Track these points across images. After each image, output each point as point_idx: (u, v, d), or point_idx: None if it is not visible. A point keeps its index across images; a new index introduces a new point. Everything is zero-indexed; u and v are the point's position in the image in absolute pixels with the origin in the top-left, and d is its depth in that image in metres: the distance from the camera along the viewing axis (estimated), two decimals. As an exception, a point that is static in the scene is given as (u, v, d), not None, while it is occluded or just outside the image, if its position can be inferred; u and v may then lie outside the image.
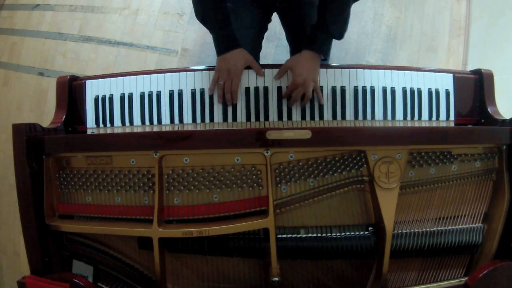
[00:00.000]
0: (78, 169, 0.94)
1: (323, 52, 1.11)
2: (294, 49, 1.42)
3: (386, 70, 1.14)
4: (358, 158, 0.91)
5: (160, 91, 1.14)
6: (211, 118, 1.13)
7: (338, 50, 1.98)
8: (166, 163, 0.91)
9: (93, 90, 1.15)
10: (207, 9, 1.10)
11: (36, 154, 0.90)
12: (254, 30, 1.30)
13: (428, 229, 0.93)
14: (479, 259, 0.96)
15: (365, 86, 1.13)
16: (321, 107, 1.13)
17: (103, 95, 1.15)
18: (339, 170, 0.91)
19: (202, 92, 1.14)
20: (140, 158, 0.91)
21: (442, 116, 1.15)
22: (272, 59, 1.97)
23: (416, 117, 1.14)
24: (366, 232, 0.92)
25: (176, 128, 1.10)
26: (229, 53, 1.10)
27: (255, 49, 1.36)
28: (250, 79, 1.14)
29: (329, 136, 0.89)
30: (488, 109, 1.10)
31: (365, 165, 0.91)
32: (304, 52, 1.11)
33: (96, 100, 1.15)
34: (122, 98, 1.14)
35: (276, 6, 1.30)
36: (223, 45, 1.11)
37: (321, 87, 1.13)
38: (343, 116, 1.13)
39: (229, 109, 1.13)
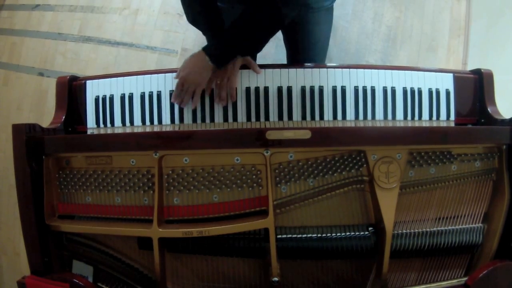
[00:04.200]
0: (78, 169, 0.94)
1: (211, 57, 1.03)
2: (291, 51, 1.42)
3: (386, 70, 1.14)
4: (358, 158, 0.91)
5: (160, 91, 1.14)
6: (212, 118, 1.13)
7: (338, 50, 1.98)
8: (166, 163, 0.91)
9: (94, 90, 1.15)
10: (197, 11, 1.09)
11: (36, 154, 0.90)
12: None
13: (428, 229, 0.93)
14: (479, 259, 0.96)
15: (366, 86, 1.13)
16: (321, 107, 1.13)
17: (103, 95, 1.15)
18: (339, 170, 0.91)
19: (202, 92, 1.14)
20: (140, 158, 0.91)
21: (442, 116, 1.14)
22: (272, 59, 1.97)
23: (416, 117, 1.14)
24: (366, 232, 0.92)
25: (176, 128, 1.10)
26: None
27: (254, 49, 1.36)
28: (250, 79, 1.14)
29: (328, 136, 0.89)
30: (488, 109, 1.10)
31: (365, 165, 0.91)
32: (198, 52, 1.06)
33: (97, 100, 1.15)
34: (122, 98, 1.14)
35: None
36: None
37: (321, 87, 1.13)
38: (344, 116, 1.13)
39: (230, 109, 1.13)
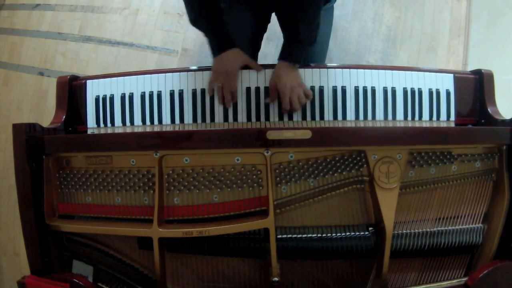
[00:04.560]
0: (78, 169, 0.94)
1: (298, 61, 1.10)
2: None
3: (386, 70, 1.14)
4: (358, 158, 0.91)
5: (160, 91, 1.14)
6: (212, 118, 1.13)
7: (338, 50, 1.98)
8: (166, 163, 0.91)
9: (94, 90, 1.15)
10: (198, 12, 1.09)
11: (36, 154, 0.90)
12: (252, 31, 1.30)
13: (428, 229, 0.93)
14: (479, 259, 0.96)
15: (366, 86, 1.13)
16: (321, 107, 1.13)
17: (103, 95, 1.15)
18: (339, 170, 0.91)
19: (203, 92, 1.14)
20: (140, 158, 0.91)
21: (443, 116, 1.14)
22: (272, 59, 1.95)
23: (416, 117, 1.14)
24: (366, 232, 0.92)
25: (177, 128, 1.10)
26: (225, 53, 1.10)
27: (254, 49, 1.36)
28: (250, 79, 1.14)
29: (329, 136, 0.89)
30: (488, 109, 1.10)
31: (365, 165, 0.91)
32: (279, 64, 1.10)
33: (97, 100, 1.15)
34: (122, 98, 1.14)
35: (274, 7, 1.30)
36: (217, 46, 1.11)
37: (322, 87, 1.13)
38: (344, 116, 1.13)
39: (230, 109, 1.13)
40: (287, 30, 1.12)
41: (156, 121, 1.14)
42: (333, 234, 0.91)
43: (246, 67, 1.14)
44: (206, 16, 1.09)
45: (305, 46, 1.11)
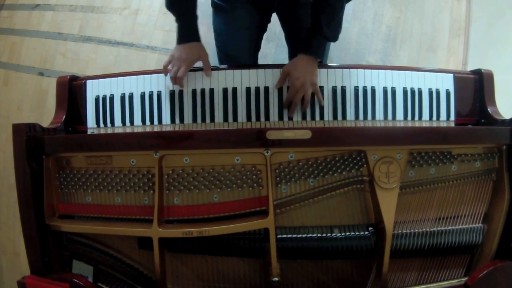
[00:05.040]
0: (78, 169, 0.94)
1: (318, 55, 1.12)
2: (293, 51, 1.42)
3: (386, 70, 1.14)
4: (358, 158, 0.91)
5: (160, 91, 1.14)
6: (212, 118, 1.13)
7: (338, 50, 1.98)
8: (166, 163, 0.91)
9: (94, 90, 1.15)
10: None
11: (36, 154, 0.90)
12: (252, 31, 1.30)
13: (428, 229, 0.93)
14: (479, 259, 0.96)
15: (366, 86, 1.13)
16: (321, 107, 1.13)
17: (103, 95, 1.15)
18: (339, 170, 0.91)
19: (202, 92, 1.14)
20: (140, 158, 0.91)
21: (443, 116, 1.14)
22: (272, 59, 1.97)
23: (416, 117, 1.14)
24: (366, 232, 0.92)
25: (176, 128, 1.10)
26: (187, 44, 1.12)
27: (254, 49, 1.36)
28: (250, 79, 1.14)
29: (329, 136, 0.89)
30: (488, 109, 1.10)
31: (365, 165, 0.91)
32: (300, 56, 1.11)
33: (97, 100, 1.15)
34: (122, 98, 1.14)
35: (275, 7, 1.30)
36: (182, 35, 1.13)
37: (322, 87, 1.13)
38: (344, 116, 1.13)
39: (230, 109, 1.13)
40: (311, 22, 1.13)
41: (156, 121, 1.14)
42: (333, 234, 0.91)
43: (244, 67, 1.14)
44: (181, 3, 1.12)
45: (324, 39, 1.12)
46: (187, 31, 1.13)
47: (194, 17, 1.13)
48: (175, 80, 1.11)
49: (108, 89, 1.15)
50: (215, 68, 1.16)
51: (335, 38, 1.14)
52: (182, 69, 1.10)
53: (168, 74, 1.12)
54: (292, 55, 1.43)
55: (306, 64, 1.10)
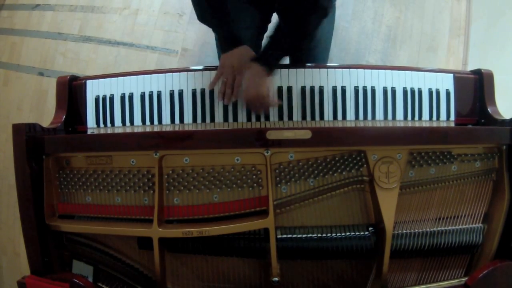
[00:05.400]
0: (78, 169, 0.94)
1: (271, 68, 1.08)
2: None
3: (386, 70, 1.14)
4: (358, 158, 0.91)
5: (160, 91, 1.14)
6: (212, 118, 1.13)
7: (338, 50, 1.98)
8: (166, 163, 0.91)
9: (94, 90, 1.15)
10: (205, 8, 1.10)
11: (36, 154, 0.90)
12: (252, 31, 1.30)
13: (428, 229, 0.93)
14: (479, 259, 0.96)
15: (366, 86, 1.13)
16: (321, 107, 1.13)
17: (103, 95, 1.15)
18: (339, 170, 0.91)
19: (202, 92, 1.14)
20: (140, 158, 0.91)
21: (443, 116, 1.14)
22: (272, 59, 1.96)
23: (416, 117, 1.14)
24: (366, 232, 0.92)
25: (176, 128, 1.10)
26: (234, 50, 1.11)
27: (254, 49, 1.36)
28: (250, 79, 1.14)
29: (329, 136, 0.89)
30: (488, 109, 1.10)
31: (365, 165, 0.91)
32: (252, 65, 1.08)
33: (97, 100, 1.15)
34: (122, 98, 1.14)
35: (275, 7, 1.30)
36: (226, 43, 1.12)
37: (322, 87, 1.13)
38: (344, 116, 1.13)
39: (230, 109, 1.13)
40: (276, 36, 1.09)
41: (156, 121, 1.14)
42: (333, 234, 0.91)
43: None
44: (214, 13, 1.10)
45: (279, 51, 1.09)
46: (230, 38, 1.12)
47: (230, 23, 1.12)
48: (233, 90, 1.09)
49: (108, 89, 1.15)
50: (216, 68, 1.16)
51: (286, 52, 1.12)
52: (238, 78, 1.09)
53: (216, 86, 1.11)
54: (291, 55, 1.43)
55: (255, 74, 1.07)
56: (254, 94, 1.06)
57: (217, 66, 1.17)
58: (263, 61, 1.07)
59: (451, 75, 1.15)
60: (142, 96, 1.14)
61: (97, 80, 1.16)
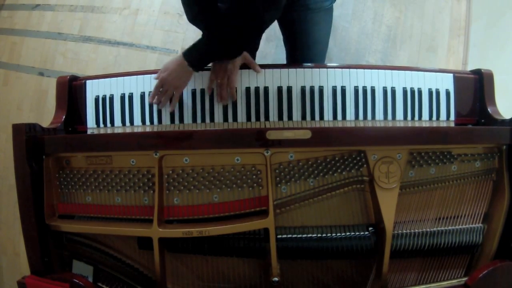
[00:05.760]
0: (78, 169, 0.94)
1: (190, 62, 1.05)
2: (291, 52, 1.42)
3: (386, 70, 1.14)
4: (358, 158, 0.91)
5: (160, 91, 1.14)
6: (212, 118, 1.13)
7: (338, 50, 1.98)
8: (166, 163, 0.91)
9: (93, 90, 1.15)
10: (195, 11, 1.07)
11: (36, 154, 0.90)
12: None
13: (428, 229, 0.93)
14: (479, 259, 0.96)
15: (366, 86, 1.13)
16: (321, 107, 1.13)
17: (103, 95, 1.15)
18: (339, 170, 0.91)
19: (202, 92, 1.14)
20: (140, 158, 0.91)
21: (442, 116, 1.14)
22: (272, 59, 1.97)
23: (416, 117, 1.14)
24: (366, 232, 0.92)
25: (176, 128, 1.10)
26: None
27: (252, 49, 1.36)
28: (250, 79, 1.14)
29: (329, 136, 0.89)
30: (488, 109, 1.10)
31: (365, 165, 0.91)
32: (178, 56, 1.07)
33: (97, 100, 1.15)
34: (122, 98, 1.14)
35: None
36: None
37: (321, 87, 1.13)
38: (344, 116, 1.13)
39: (230, 109, 1.13)
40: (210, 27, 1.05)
41: (155, 121, 1.14)
42: (333, 234, 0.91)
43: (245, 66, 1.13)
44: (202, 15, 1.08)
45: (211, 54, 1.06)
46: None
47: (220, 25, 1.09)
48: (230, 91, 1.09)
49: (108, 89, 1.15)
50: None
51: (224, 57, 1.08)
52: (231, 78, 1.09)
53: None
54: (290, 56, 1.43)
55: (175, 64, 1.06)
56: (169, 82, 1.06)
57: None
58: (187, 57, 1.05)
59: (451, 75, 1.15)
60: (142, 96, 1.14)
61: (97, 80, 1.16)
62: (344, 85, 1.13)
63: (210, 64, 1.12)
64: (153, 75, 1.15)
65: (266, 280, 0.93)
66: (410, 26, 2.01)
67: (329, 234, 0.91)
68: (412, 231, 0.92)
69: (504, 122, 1.03)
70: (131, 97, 1.14)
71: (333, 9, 1.32)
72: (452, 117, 1.15)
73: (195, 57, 1.06)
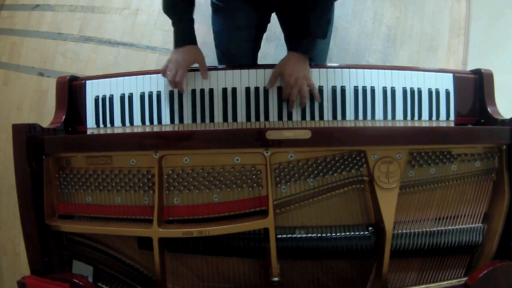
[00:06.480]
0: (78, 169, 0.94)
1: (308, 53, 1.13)
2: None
3: (386, 70, 1.14)
4: (358, 158, 0.91)
5: (160, 91, 1.14)
6: (211, 118, 1.13)
7: (338, 50, 1.98)
8: (166, 163, 0.91)
9: (93, 90, 1.15)
10: (172, 3, 1.14)
11: (36, 154, 0.90)
12: (251, 31, 1.30)
13: (428, 229, 0.93)
14: (479, 259, 0.96)
15: (365, 86, 1.13)
16: (321, 107, 1.13)
17: (103, 95, 1.15)
18: (339, 170, 0.91)
19: (202, 92, 1.14)
20: (140, 158, 0.91)
21: (442, 116, 1.15)
22: (272, 59, 1.97)
23: (416, 117, 1.14)
24: (366, 232, 0.92)
25: (176, 128, 1.10)
26: (183, 47, 1.13)
27: (253, 49, 1.36)
28: (250, 79, 1.14)
29: (329, 136, 0.89)
30: (488, 109, 1.10)
31: (365, 165, 0.91)
32: (290, 54, 1.13)
33: (96, 100, 1.15)
34: (122, 98, 1.14)
35: (273, 7, 1.30)
36: (179, 38, 1.15)
37: (321, 87, 1.13)
38: (343, 116, 1.13)
39: (229, 109, 1.13)
40: (298, 21, 1.14)
41: (155, 121, 1.14)
42: (333, 234, 0.91)
43: (243, 67, 1.14)
44: (178, 7, 1.14)
45: (314, 38, 1.13)
46: (183, 35, 1.15)
47: (190, 21, 1.15)
48: (174, 84, 1.11)
49: (108, 89, 1.15)
50: (215, 68, 1.16)
51: (324, 36, 1.16)
52: (180, 73, 1.10)
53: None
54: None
55: (296, 61, 1.11)
56: (294, 78, 1.08)
57: (216, 66, 1.19)
58: (297, 48, 1.12)
59: (451, 75, 1.15)
60: (142, 96, 1.14)
61: (96, 80, 1.16)
62: (344, 85, 1.13)
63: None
64: (153, 75, 1.15)
65: (266, 280, 0.93)
66: (410, 26, 2.01)
67: (329, 234, 0.91)
68: (412, 231, 0.92)
69: (504, 122, 1.03)
70: (131, 97, 1.14)
71: (334, 8, 1.32)
72: (452, 117, 1.15)
73: (311, 49, 1.13)
